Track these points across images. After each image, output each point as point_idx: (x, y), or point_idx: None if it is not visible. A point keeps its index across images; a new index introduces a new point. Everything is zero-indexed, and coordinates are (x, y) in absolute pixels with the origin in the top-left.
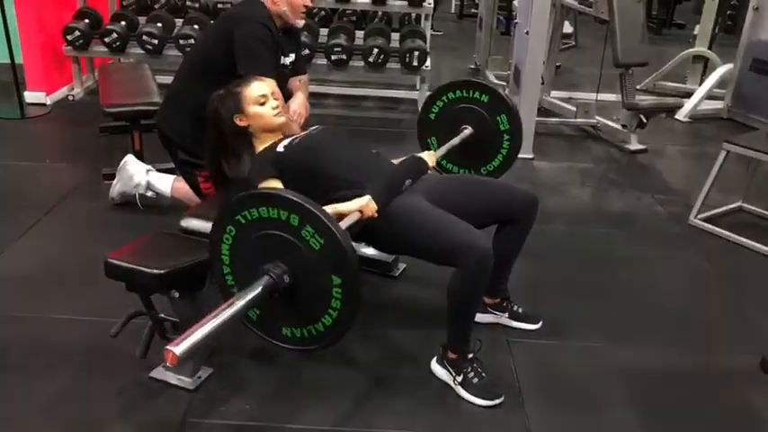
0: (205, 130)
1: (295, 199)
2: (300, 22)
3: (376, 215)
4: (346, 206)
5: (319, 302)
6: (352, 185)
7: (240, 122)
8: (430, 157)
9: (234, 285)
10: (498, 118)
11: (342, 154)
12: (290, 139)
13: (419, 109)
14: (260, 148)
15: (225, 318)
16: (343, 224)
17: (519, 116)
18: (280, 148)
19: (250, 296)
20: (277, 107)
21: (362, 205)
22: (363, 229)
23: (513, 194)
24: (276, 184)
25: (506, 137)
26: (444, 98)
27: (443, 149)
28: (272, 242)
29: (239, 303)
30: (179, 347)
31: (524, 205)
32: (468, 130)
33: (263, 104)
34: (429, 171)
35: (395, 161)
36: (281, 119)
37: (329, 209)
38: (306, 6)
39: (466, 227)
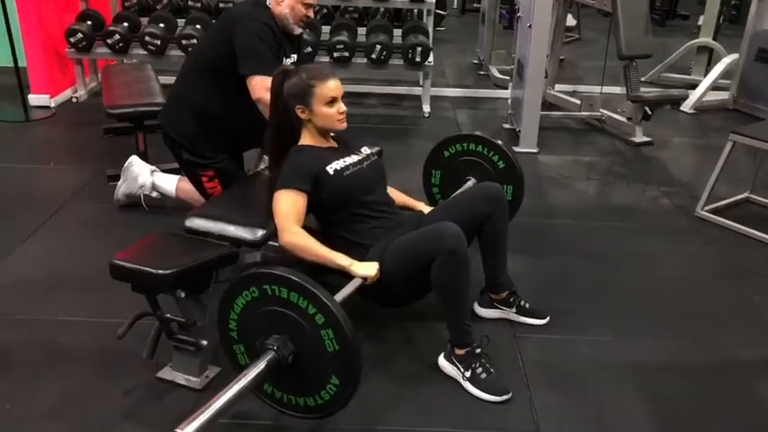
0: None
1: (329, 303)
2: (297, 30)
3: (376, 281)
4: (357, 270)
5: (310, 387)
6: (366, 237)
7: (302, 114)
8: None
9: (235, 331)
10: (505, 187)
11: (374, 199)
12: (342, 164)
13: (422, 105)
14: (306, 140)
15: (231, 395)
16: (348, 289)
17: (523, 195)
18: (330, 170)
19: (255, 373)
20: (343, 112)
21: (370, 275)
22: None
23: (474, 197)
24: (301, 197)
25: None
26: (465, 144)
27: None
28: (289, 322)
29: (244, 381)
30: (187, 430)
31: (486, 201)
32: (471, 182)
33: (331, 105)
34: None
35: (400, 195)
36: (344, 125)
37: (344, 262)
38: (307, 16)
39: (432, 225)
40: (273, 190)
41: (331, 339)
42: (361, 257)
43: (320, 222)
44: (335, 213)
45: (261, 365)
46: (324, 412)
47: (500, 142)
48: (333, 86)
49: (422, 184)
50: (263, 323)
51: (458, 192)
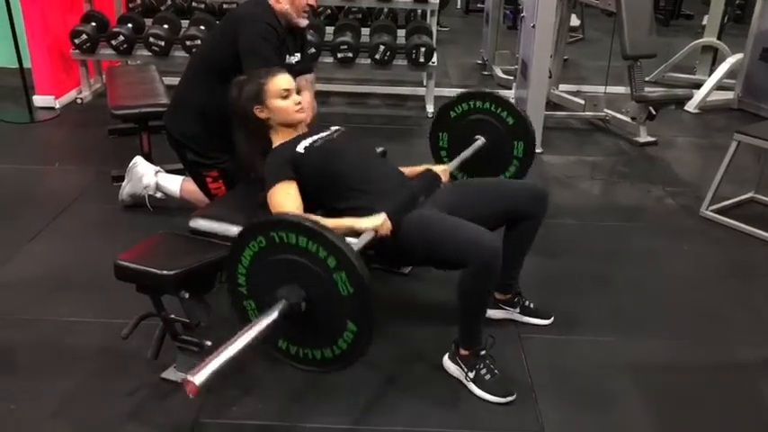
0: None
1: (339, 244)
2: (304, 22)
3: (390, 234)
4: (363, 224)
5: (326, 338)
6: (366, 198)
7: (260, 114)
8: (443, 172)
9: (243, 287)
10: (516, 143)
11: (359, 163)
12: (310, 140)
13: (426, 105)
14: (277, 142)
15: (243, 345)
16: (359, 242)
17: (534, 151)
18: (300, 149)
19: (266, 322)
20: (299, 103)
21: (378, 225)
22: (375, 248)
23: (520, 192)
24: (291, 186)
25: (516, 163)
26: (472, 103)
27: (456, 162)
28: (300, 269)
29: (256, 330)
30: (198, 377)
31: (532, 200)
32: (480, 141)
33: (285, 98)
34: (442, 185)
35: (405, 169)
36: (302, 115)
37: (348, 222)
38: (309, 5)
39: (473, 226)
40: (264, 195)
41: (344, 282)
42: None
43: (324, 211)
44: (329, 189)
45: (273, 314)
46: (342, 362)
47: (508, 99)
48: (282, 79)
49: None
50: (273, 274)
51: (467, 151)
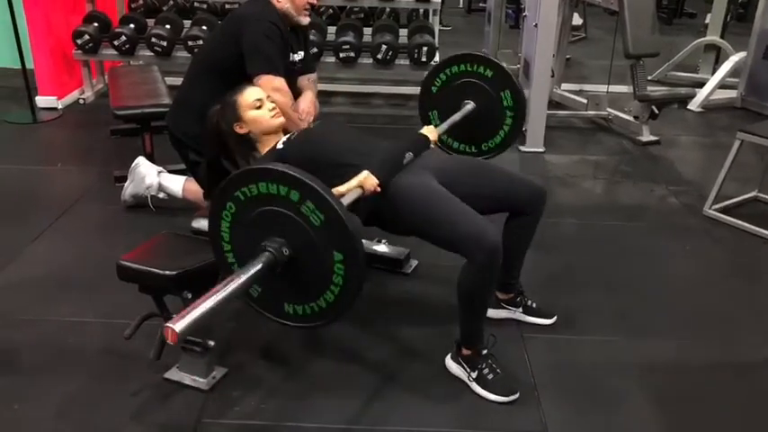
0: (205, 143)
1: (294, 174)
2: (305, 20)
3: (378, 189)
4: (345, 185)
5: (321, 279)
6: (354, 168)
7: (240, 130)
8: (431, 132)
9: (234, 263)
10: (502, 94)
11: (341, 141)
12: (287, 136)
13: None
14: (264, 151)
15: (225, 294)
16: (344, 201)
17: (523, 92)
18: (279, 146)
19: (251, 272)
20: (273, 109)
21: (361, 180)
22: (371, 213)
23: (519, 185)
24: None
25: (509, 113)
26: (448, 71)
27: (445, 125)
28: (272, 219)
29: (240, 279)
30: (179, 324)
31: (529, 196)
32: (470, 105)
33: (259, 108)
34: (431, 147)
35: None
36: (279, 119)
37: (334, 189)
38: (309, 3)
39: (474, 216)
40: None
41: (313, 212)
42: None
43: None
44: (317, 173)
45: (257, 265)
46: (347, 299)
47: (478, 52)
48: (251, 91)
49: None
50: (253, 235)
51: (456, 115)
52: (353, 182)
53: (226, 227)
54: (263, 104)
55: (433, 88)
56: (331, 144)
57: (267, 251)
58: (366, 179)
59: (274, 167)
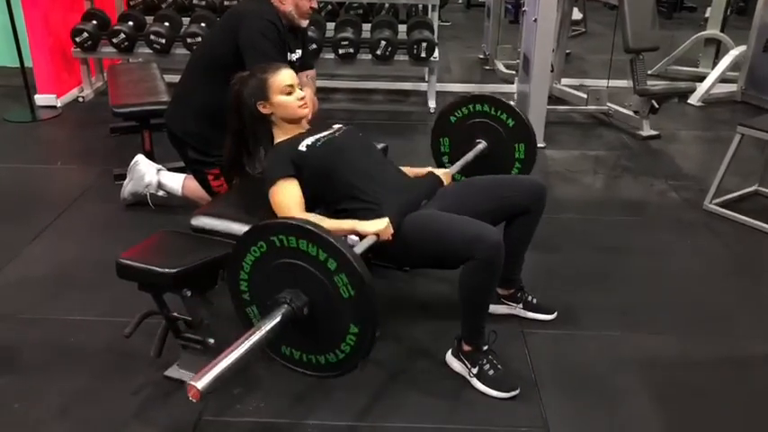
0: (227, 112)
1: (339, 246)
2: (305, 23)
3: (391, 239)
4: (366, 227)
5: (329, 341)
6: (368, 200)
7: (263, 110)
8: (445, 175)
9: (246, 292)
10: (517, 145)
11: (361, 162)
12: (313, 139)
13: (428, 100)
14: (280, 138)
15: (245, 349)
16: (361, 246)
17: (536, 151)
18: (302, 147)
19: (269, 326)
20: (302, 99)
21: (380, 229)
22: (374, 250)
23: (519, 187)
24: (292, 184)
25: (518, 165)
26: (472, 107)
27: (458, 166)
28: (301, 273)
29: (259, 334)
30: (201, 382)
31: (531, 195)
32: (482, 145)
33: (289, 94)
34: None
35: (407, 169)
36: (305, 110)
37: (349, 224)
38: (312, 8)
39: (473, 221)
40: (266, 193)
41: (345, 285)
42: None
43: (325, 210)
44: (328, 188)
45: (275, 319)
46: (346, 366)
47: (506, 101)
48: (286, 75)
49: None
50: (275, 279)
51: (469, 155)
52: (373, 227)
53: (250, 260)
54: (294, 91)
55: (452, 117)
56: (350, 163)
57: (289, 305)
58: (385, 229)
59: (322, 234)
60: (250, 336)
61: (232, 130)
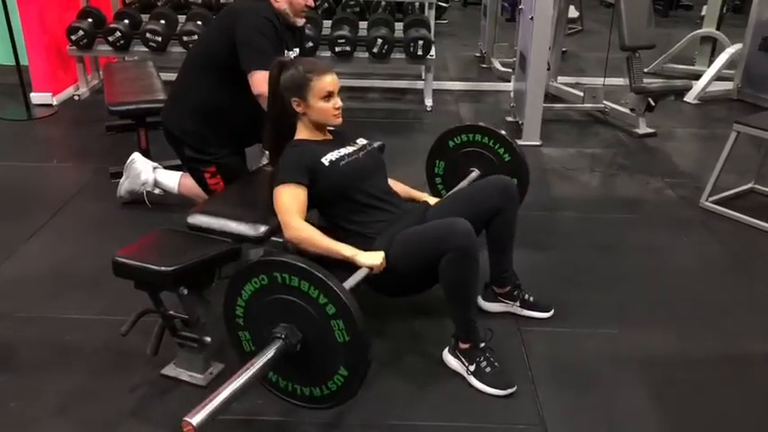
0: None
1: (342, 295)
2: (300, 21)
3: (382, 271)
4: (362, 259)
5: (317, 378)
6: (369, 230)
7: (297, 107)
8: (435, 201)
9: (241, 317)
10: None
11: (374, 189)
12: (337, 155)
13: (424, 99)
14: (302, 135)
15: (240, 385)
16: (355, 278)
17: (526, 190)
18: (325, 161)
19: (263, 360)
20: (339, 108)
21: (375, 264)
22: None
23: (486, 189)
24: (300, 190)
25: None
26: (472, 136)
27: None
28: (298, 311)
29: (253, 369)
30: (196, 418)
31: (499, 193)
32: (475, 173)
33: (327, 100)
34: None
35: (405, 189)
36: (339, 120)
37: (349, 252)
38: (307, 6)
39: (443, 219)
40: (273, 186)
41: (341, 330)
42: (367, 249)
43: (323, 216)
44: (336, 205)
45: (269, 353)
46: (331, 402)
47: (505, 134)
48: (329, 81)
49: (425, 179)
50: (272, 311)
51: (463, 183)
52: (368, 260)
53: (249, 289)
54: (333, 97)
55: (450, 142)
56: (365, 191)
57: (283, 341)
58: (380, 264)
59: (325, 280)
60: (244, 372)
61: (271, 114)
